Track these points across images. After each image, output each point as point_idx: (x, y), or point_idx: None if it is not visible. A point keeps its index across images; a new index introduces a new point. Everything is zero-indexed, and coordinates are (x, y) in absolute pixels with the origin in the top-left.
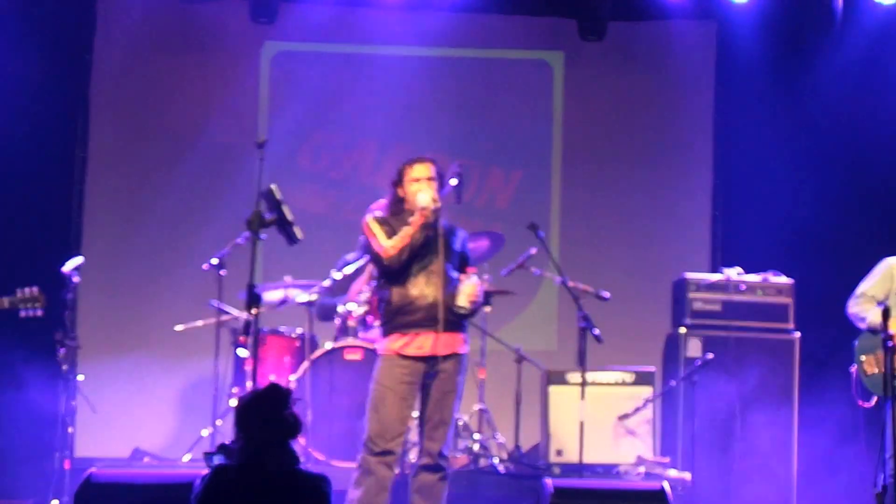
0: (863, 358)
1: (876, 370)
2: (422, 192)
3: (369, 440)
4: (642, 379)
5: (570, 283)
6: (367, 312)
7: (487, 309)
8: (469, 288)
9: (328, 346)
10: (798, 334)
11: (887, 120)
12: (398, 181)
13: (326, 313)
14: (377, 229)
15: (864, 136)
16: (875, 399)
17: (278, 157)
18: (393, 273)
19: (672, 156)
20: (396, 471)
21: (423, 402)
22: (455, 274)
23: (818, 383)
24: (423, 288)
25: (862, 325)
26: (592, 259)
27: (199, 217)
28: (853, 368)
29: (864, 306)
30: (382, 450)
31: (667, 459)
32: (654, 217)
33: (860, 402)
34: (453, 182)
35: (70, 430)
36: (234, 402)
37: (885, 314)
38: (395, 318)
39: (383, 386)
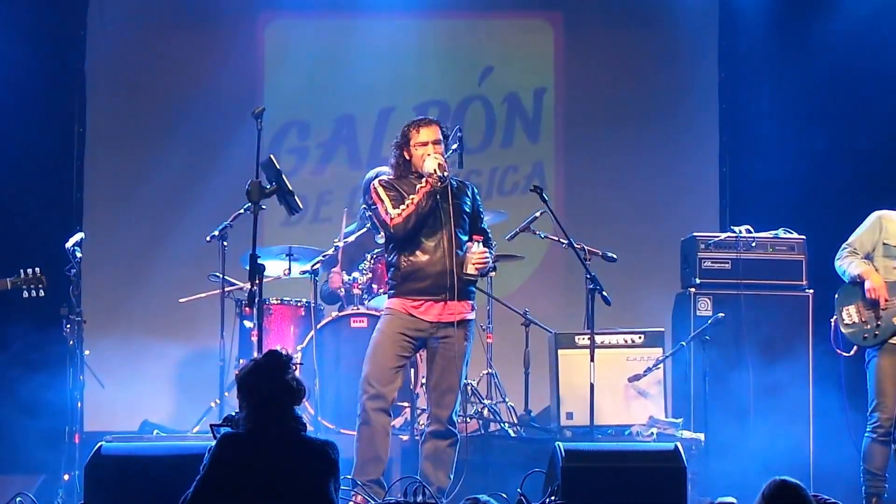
0: (842, 309)
1: (855, 320)
2: (428, 158)
3: (365, 381)
4: (652, 340)
5: (577, 245)
6: (370, 280)
7: (493, 273)
8: (476, 255)
9: (334, 314)
10: (811, 291)
11: (895, 71)
12: (404, 143)
13: (332, 296)
14: (384, 196)
15: (873, 88)
16: (854, 349)
17: (277, 127)
18: (400, 241)
19: (677, 113)
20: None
21: (430, 369)
22: (465, 238)
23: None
24: (432, 255)
25: (844, 278)
26: (599, 220)
27: (199, 189)
28: (833, 319)
29: (847, 259)
30: (376, 392)
31: (679, 420)
32: (661, 176)
33: (839, 352)
34: (454, 147)
35: (79, 404)
36: None
37: None
38: (404, 284)
39: (383, 333)
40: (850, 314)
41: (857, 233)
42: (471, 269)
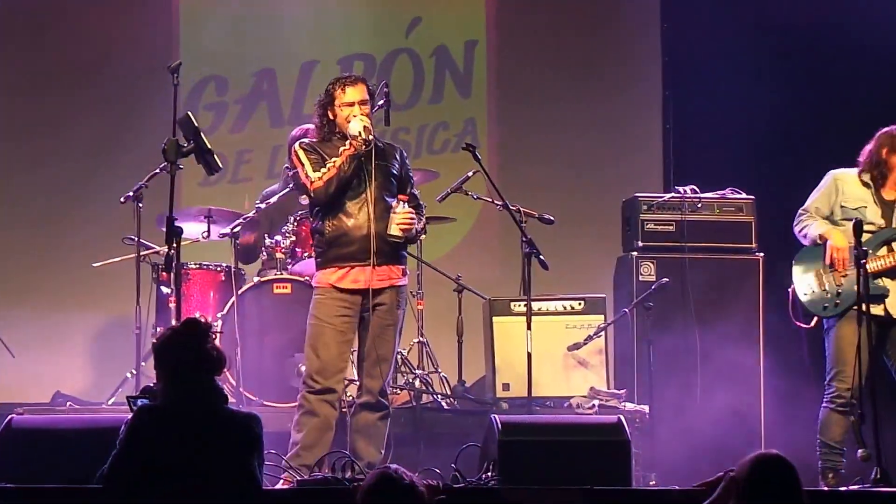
0: (800, 278)
1: (815, 289)
2: (354, 119)
3: (309, 378)
4: (593, 307)
5: (512, 207)
6: (294, 244)
7: (423, 236)
8: (400, 216)
9: (255, 279)
10: (761, 255)
11: (848, 25)
12: (328, 103)
13: (248, 254)
14: (305, 159)
15: (825, 41)
16: (815, 320)
17: (193, 81)
18: (324, 205)
19: (617, 67)
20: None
21: (361, 337)
22: (392, 200)
23: (785, 308)
24: (356, 219)
25: (806, 242)
26: (535, 180)
27: (113, 148)
28: (790, 289)
29: (807, 221)
30: (323, 388)
31: (622, 392)
32: (601, 133)
33: (798, 323)
34: (381, 103)
35: None
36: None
37: (857, 228)
38: (329, 250)
39: (320, 321)
40: (810, 283)
41: (813, 196)
42: (395, 230)
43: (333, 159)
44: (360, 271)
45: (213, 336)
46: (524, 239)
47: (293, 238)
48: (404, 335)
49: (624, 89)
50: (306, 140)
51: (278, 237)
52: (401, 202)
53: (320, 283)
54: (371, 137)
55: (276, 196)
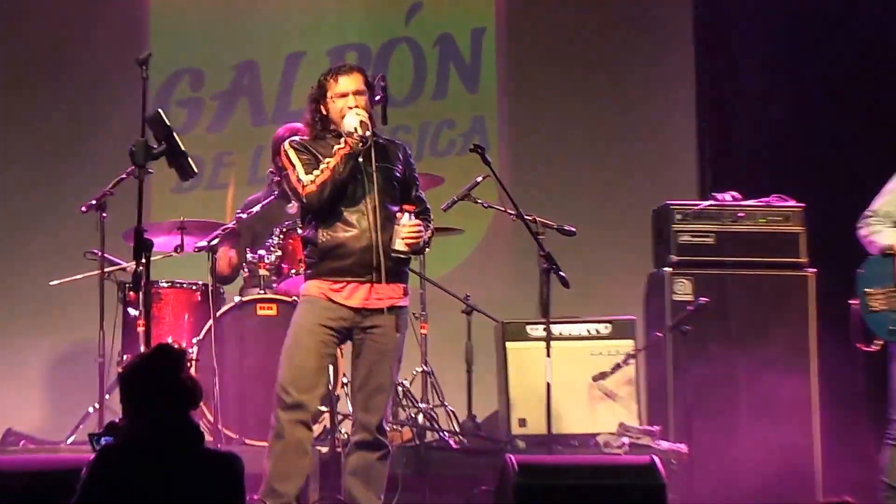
0: (868, 291)
1: (883, 306)
2: (349, 113)
3: (280, 389)
4: (621, 330)
5: (528, 216)
6: (280, 259)
7: (427, 250)
8: (406, 229)
9: (236, 299)
10: (813, 270)
11: None
12: (320, 96)
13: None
14: (296, 160)
15: (875, 30)
16: (878, 343)
17: (165, 75)
18: (317, 212)
19: (644, 57)
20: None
21: (356, 365)
22: (395, 208)
23: (840, 330)
24: (355, 228)
25: (873, 250)
26: (553, 186)
27: (75, 150)
28: (854, 302)
29: (875, 227)
30: (294, 402)
31: (656, 428)
32: (627, 133)
33: (859, 345)
34: (377, 98)
35: None
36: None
37: None
38: (323, 262)
39: (301, 327)
40: (878, 299)
41: (882, 197)
42: (400, 245)
43: (327, 160)
44: (356, 288)
45: (188, 364)
46: (541, 253)
47: (279, 253)
48: (406, 363)
49: (652, 83)
50: (297, 138)
51: (262, 252)
52: (406, 213)
53: (309, 292)
54: (369, 133)
55: (260, 205)
